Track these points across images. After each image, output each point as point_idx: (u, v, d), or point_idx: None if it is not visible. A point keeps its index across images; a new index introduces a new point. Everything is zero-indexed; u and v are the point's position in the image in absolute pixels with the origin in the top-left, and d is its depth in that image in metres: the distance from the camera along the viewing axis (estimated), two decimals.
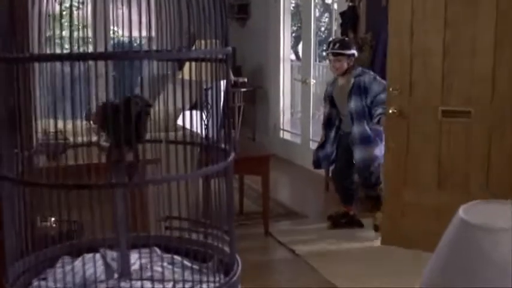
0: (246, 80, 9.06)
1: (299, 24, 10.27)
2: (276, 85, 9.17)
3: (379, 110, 5.39)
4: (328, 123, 5.88)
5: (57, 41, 1.76)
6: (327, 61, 5.94)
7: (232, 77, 6.77)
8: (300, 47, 10.07)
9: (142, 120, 1.60)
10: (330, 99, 5.81)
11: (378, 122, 5.43)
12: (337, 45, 5.64)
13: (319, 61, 9.90)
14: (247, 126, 9.39)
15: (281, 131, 9.18)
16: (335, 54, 5.61)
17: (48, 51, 1.83)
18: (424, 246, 3.83)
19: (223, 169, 1.63)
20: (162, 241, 2.02)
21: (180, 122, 4.12)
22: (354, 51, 5.68)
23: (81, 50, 1.88)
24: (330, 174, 6.22)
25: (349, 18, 6.89)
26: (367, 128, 5.53)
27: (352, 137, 5.58)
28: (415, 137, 5.11)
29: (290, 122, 9.47)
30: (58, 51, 1.71)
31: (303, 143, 8.45)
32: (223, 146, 1.82)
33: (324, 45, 11.78)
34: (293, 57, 10.04)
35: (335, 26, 8.05)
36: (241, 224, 5.73)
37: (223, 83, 1.82)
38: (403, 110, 5.10)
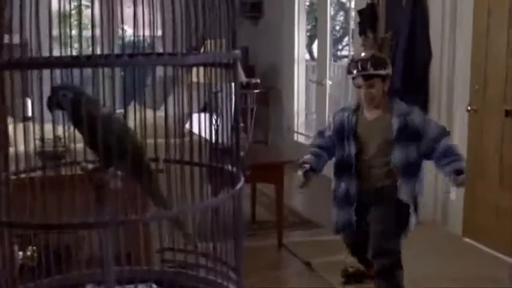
0: (258, 80, 8.72)
1: (313, 23, 9.97)
2: (290, 86, 8.87)
3: (457, 165, 3.82)
4: (341, 170, 4.13)
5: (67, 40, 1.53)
6: (350, 81, 4.28)
7: (244, 78, 6.45)
8: (314, 47, 9.78)
9: (93, 122, 1.26)
10: (353, 135, 4.04)
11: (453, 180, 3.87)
12: (369, 64, 3.90)
13: (335, 61, 9.58)
14: (260, 128, 9.09)
15: (295, 134, 8.88)
16: (367, 77, 3.91)
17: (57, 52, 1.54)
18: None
19: (230, 199, 1.32)
20: (160, 276, 1.71)
21: (188, 127, 3.84)
22: (389, 70, 4.03)
23: (89, 50, 1.63)
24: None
25: (367, 17, 6.56)
26: (416, 187, 4.01)
27: (400, 195, 3.98)
28: (484, 135, 5.27)
29: (304, 124, 9.15)
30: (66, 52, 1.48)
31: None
32: (230, 168, 1.51)
33: (340, 45, 11.48)
34: (307, 56, 9.73)
35: (352, 25, 7.73)
36: (253, 234, 5.43)
37: (234, 86, 1.54)
38: (479, 107, 5.27)
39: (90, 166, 1.56)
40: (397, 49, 5.97)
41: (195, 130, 1.66)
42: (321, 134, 4.27)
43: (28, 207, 1.55)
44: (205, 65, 1.40)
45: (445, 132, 3.99)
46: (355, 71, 3.93)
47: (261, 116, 9.04)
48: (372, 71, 3.89)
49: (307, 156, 4.10)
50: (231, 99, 1.52)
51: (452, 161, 3.81)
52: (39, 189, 1.59)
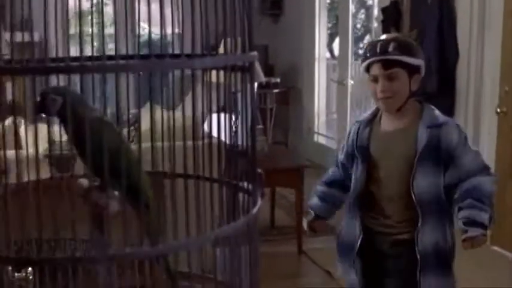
0: (278, 80, 8.56)
1: (334, 21, 9.76)
2: (310, 85, 8.65)
3: (477, 214, 2.64)
4: (350, 204, 2.91)
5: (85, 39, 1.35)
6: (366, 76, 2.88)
7: (263, 78, 6.26)
8: (334, 45, 9.58)
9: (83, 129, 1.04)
10: (362, 153, 2.84)
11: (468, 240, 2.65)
12: (392, 46, 2.70)
13: (355, 60, 9.38)
14: (280, 129, 8.90)
15: (315, 135, 8.66)
16: (388, 64, 2.71)
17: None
18: None
19: (243, 228, 1.13)
20: None
21: (205, 128, 3.66)
22: (421, 62, 2.79)
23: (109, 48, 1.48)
24: None
25: (391, 15, 6.34)
26: (448, 235, 2.75)
27: (419, 251, 2.70)
28: None
29: (325, 125, 8.93)
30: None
31: (338, 148, 7.90)
32: (245, 185, 1.31)
33: (360, 43, 11.25)
34: (328, 55, 9.51)
35: (375, 23, 7.51)
36: (272, 240, 5.24)
37: (256, 85, 1.35)
38: (508, 110, 5.01)
39: (86, 183, 1.37)
40: (422, 49, 5.74)
41: (213, 132, 1.47)
42: (335, 161, 3.06)
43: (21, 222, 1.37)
44: (219, 69, 1.21)
45: (485, 170, 2.76)
46: (370, 54, 2.72)
47: (281, 116, 8.85)
48: (395, 56, 2.67)
49: (313, 201, 3.03)
50: (248, 101, 1.33)
51: (474, 207, 2.62)
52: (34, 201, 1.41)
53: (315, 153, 8.15)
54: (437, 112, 2.80)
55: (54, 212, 1.39)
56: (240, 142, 1.32)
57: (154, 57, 1.34)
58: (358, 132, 2.87)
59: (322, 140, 8.61)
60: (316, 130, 8.69)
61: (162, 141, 1.38)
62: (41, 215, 1.27)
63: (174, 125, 1.36)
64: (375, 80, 2.75)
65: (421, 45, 5.76)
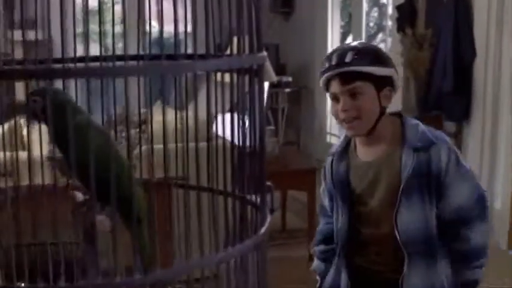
0: (290, 79, 8.42)
1: (347, 19, 9.61)
2: None
3: (466, 274, 2.33)
4: (335, 250, 2.44)
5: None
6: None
7: (275, 77, 6.13)
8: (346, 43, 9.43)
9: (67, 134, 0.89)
10: (341, 191, 2.38)
11: None
12: (350, 55, 2.21)
13: None
14: (291, 129, 8.77)
15: (328, 135, 8.53)
16: (346, 78, 2.22)
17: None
18: None
19: (253, 247, 1.00)
20: None
21: (214, 129, 3.54)
22: (391, 71, 2.28)
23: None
24: None
25: (406, 13, 6.20)
26: (442, 281, 2.28)
27: None
28: None
29: (337, 125, 8.77)
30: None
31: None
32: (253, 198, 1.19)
33: (373, 42, 11.11)
34: None
35: (389, 21, 7.35)
36: (283, 244, 5.11)
37: (266, 85, 1.22)
38: None
39: (80, 196, 1.25)
40: (438, 48, 5.59)
41: (222, 132, 1.35)
42: (322, 208, 2.58)
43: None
44: (226, 71, 1.09)
45: (478, 205, 2.28)
46: (325, 68, 2.24)
47: (293, 115, 8.72)
48: (353, 67, 2.18)
49: (316, 265, 2.60)
50: (256, 107, 1.20)
51: (463, 272, 2.30)
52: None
53: (327, 153, 8.00)
54: (422, 127, 2.27)
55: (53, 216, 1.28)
56: (248, 150, 1.19)
57: (166, 57, 1.22)
58: (332, 168, 2.40)
59: (334, 140, 8.46)
60: (328, 130, 8.55)
61: (165, 144, 1.26)
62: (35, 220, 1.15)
63: (187, 127, 1.23)
64: (335, 98, 2.26)
65: (436, 44, 5.64)
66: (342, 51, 2.24)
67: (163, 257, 0.96)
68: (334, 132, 8.52)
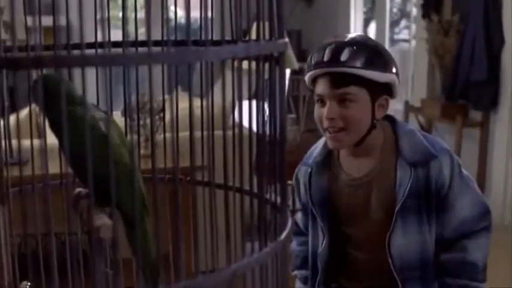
0: None
1: (369, 5, 9.44)
2: None
3: None
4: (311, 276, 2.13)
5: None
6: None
7: (296, 64, 6.00)
8: (369, 30, 9.27)
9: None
10: (321, 209, 2.02)
11: None
12: (346, 52, 1.81)
13: (391, 45, 9.04)
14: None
15: None
16: (338, 80, 1.83)
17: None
18: None
19: (269, 258, 0.90)
20: None
21: (232, 118, 3.43)
22: (391, 77, 1.88)
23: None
24: None
25: None
26: None
27: None
28: None
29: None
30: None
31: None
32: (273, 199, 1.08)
33: (397, 28, 10.92)
34: None
35: (414, 7, 7.18)
36: None
37: (287, 72, 1.11)
38: None
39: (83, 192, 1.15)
40: (465, 34, 5.43)
41: (243, 121, 1.25)
42: (296, 227, 2.20)
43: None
44: (246, 59, 0.98)
45: (481, 220, 1.99)
46: (314, 63, 1.87)
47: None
48: (349, 68, 1.81)
49: (298, 287, 2.24)
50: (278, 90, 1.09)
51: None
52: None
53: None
54: (418, 136, 1.93)
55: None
56: (270, 132, 1.08)
57: (192, 43, 1.12)
58: (310, 180, 2.03)
59: None
60: None
61: (172, 135, 1.16)
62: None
63: (212, 115, 1.13)
64: (321, 101, 1.89)
65: (463, 31, 5.48)
66: (337, 46, 1.83)
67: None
68: None
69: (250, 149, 1.08)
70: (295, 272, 2.22)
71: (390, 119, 1.99)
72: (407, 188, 1.87)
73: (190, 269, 0.98)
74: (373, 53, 1.85)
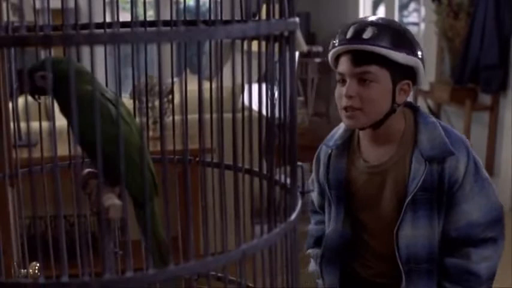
0: (320, 49, 8.25)
1: None
2: None
3: None
4: (324, 257, 2.11)
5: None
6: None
7: (305, 47, 5.98)
8: (378, 12, 9.22)
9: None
10: (337, 192, 2.02)
11: None
12: (369, 31, 1.81)
13: None
14: (321, 100, 8.62)
15: None
16: (359, 59, 1.83)
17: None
18: None
19: (279, 239, 0.89)
20: None
21: (242, 100, 3.43)
22: (415, 60, 1.85)
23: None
24: None
25: None
26: None
27: None
28: None
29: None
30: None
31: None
32: (283, 181, 1.08)
33: (406, 11, 10.85)
34: None
35: None
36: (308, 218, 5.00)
37: (296, 55, 1.10)
38: None
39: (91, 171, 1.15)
40: (475, 17, 5.38)
41: (252, 104, 1.24)
42: (312, 206, 2.27)
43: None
44: (254, 38, 0.97)
45: (491, 227, 1.92)
46: (337, 41, 1.87)
47: (322, 86, 8.57)
48: (370, 46, 1.80)
49: (313, 267, 2.20)
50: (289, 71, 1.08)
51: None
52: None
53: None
54: (439, 130, 1.89)
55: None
56: (279, 115, 1.07)
57: (202, 23, 1.11)
58: (329, 162, 2.02)
59: None
60: None
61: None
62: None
63: (221, 96, 1.12)
64: (342, 80, 1.88)
65: (473, 13, 5.43)
66: (361, 25, 1.83)
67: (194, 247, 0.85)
68: None
69: (260, 131, 1.08)
70: (309, 251, 2.23)
71: (413, 108, 1.97)
72: (420, 181, 1.85)
73: (199, 251, 0.98)
74: (397, 34, 1.83)
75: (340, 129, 2.04)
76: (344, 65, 1.85)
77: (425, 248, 1.90)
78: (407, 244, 1.91)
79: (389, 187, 1.93)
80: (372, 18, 1.88)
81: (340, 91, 1.88)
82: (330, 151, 2.03)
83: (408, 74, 1.86)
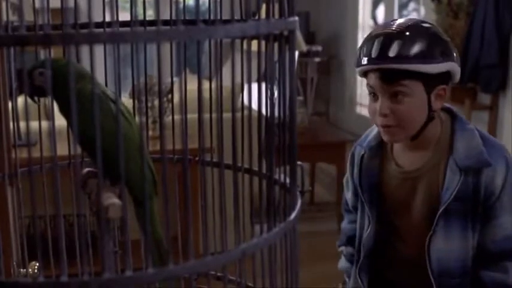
0: (320, 48, 8.26)
1: None
2: (353, 54, 8.33)
3: None
4: (358, 261, 2.05)
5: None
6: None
7: (304, 46, 5.98)
8: (378, 12, 9.22)
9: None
10: (370, 195, 1.95)
11: None
12: (394, 47, 1.70)
13: None
14: (321, 99, 8.64)
15: (357, 106, 8.38)
16: (389, 77, 1.73)
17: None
18: None
19: (278, 238, 0.89)
20: None
21: (241, 100, 3.43)
22: (448, 65, 1.74)
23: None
24: None
25: None
26: None
27: None
28: None
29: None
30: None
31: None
32: (282, 181, 1.08)
33: (405, 10, 10.85)
34: (371, 23, 9.15)
35: None
36: (311, 218, 5.01)
37: (296, 54, 1.10)
38: None
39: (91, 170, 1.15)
40: (475, 17, 5.38)
41: (251, 103, 1.23)
42: (345, 205, 2.21)
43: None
44: (254, 38, 0.97)
45: None
46: (363, 58, 1.76)
47: (322, 86, 8.58)
48: (398, 64, 1.71)
49: (343, 265, 2.19)
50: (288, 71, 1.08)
51: None
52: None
53: (357, 124, 7.88)
54: (476, 138, 1.80)
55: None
56: (278, 114, 1.07)
57: (202, 22, 1.11)
58: (362, 163, 1.97)
59: (364, 111, 8.33)
60: (358, 101, 8.40)
61: (200, 115, 1.15)
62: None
63: (221, 95, 1.12)
64: (374, 94, 1.79)
65: (473, 13, 5.43)
66: (385, 39, 1.72)
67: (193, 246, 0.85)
68: (364, 103, 8.37)
69: (259, 130, 1.08)
70: (341, 248, 2.21)
71: (451, 113, 1.88)
72: (454, 192, 1.77)
73: (198, 251, 0.98)
74: (426, 43, 1.71)
75: (374, 130, 1.96)
76: (373, 81, 1.76)
77: (458, 261, 1.83)
78: (439, 257, 1.83)
79: (421, 194, 1.86)
80: (398, 25, 1.75)
81: (373, 107, 1.80)
82: (363, 152, 1.97)
83: (443, 78, 1.77)
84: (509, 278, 1.82)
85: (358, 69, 1.81)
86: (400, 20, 1.78)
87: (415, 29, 1.74)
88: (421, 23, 1.78)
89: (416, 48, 1.70)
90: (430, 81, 1.74)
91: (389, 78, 1.73)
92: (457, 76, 1.81)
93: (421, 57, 1.70)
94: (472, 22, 5.42)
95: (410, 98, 1.74)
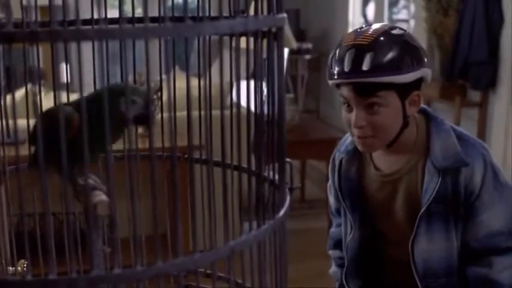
0: (310, 46, 8.26)
1: None
2: None
3: None
4: (348, 268, 2.05)
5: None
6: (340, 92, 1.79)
7: (294, 43, 5.97)
8: (368, 10, 9.23)
9: None
10: (351, 200, 1.95)
11: None
12: (367, 61, 1.66)
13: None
14: (311, 97, 8.64)
15: None
16: (363, 90, 1.70)
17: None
18: None
19: (267, 236, 0.89)
20: None
21: (230, 97, 3.42)
22: (421, 71, 1.74)
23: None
24: None
25: None
26: None
27: None
28: None
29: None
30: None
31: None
32: (271, 178, 1.08)
33: (395, 8, 10.85)
34: (362, 20, 9.16)
35: None
36: (302, 215, 5.01)
37: (286, 52, 1.09)
38: None
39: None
40: (464, 14, 5.40)
41: (240, 101, 1.23)
42: (331, 211, 2.18)
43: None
44: (243, 34, 0.97)
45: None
46: (335, 71, 1.73)
47: (312, 83, 8.58)
48: (372, 78, 1.68)
49: (333, 270, 2.17)
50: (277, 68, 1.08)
51: None
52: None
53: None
54: (452, 138, 1.81)
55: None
56: (268, 111, 1.07)
57: (190, 19, 1.11)
58: (341, 170, 1.95)
59: None
60: None
61: (189, 113, 1.14)
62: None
63: (210, 94, 1.12)
64: (347, 104, 1.76)
65: (463, 10, 5.45)
66: (357, 52, 1.68)
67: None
68: None
69: (248, 128, 1.07)
70: (330, 252, 2.20)
71: (426, 114, 1.88)
72: (433, 193, 1.77)
73: (188, 248, 0.98)
74: (398, 53, 1.69)
75: (348, 140, 1.95)
76: (347, 93, 1.74)
77: (443, 262, 1.83)
78: (424, 258, 1.83)
79: (402, 197, 1.86)
80: (369, 34, 1.72)
81: (347, 117, 1.77)
82: (340, 156, 1.96)
83: (416, 85, 1.76)
84: (494, 272, 1.83)
85: (330, 82, 1.78)
86: (371, 28, 1.75)
87: (387, 38, 1.72)
88: (391, 30, 1.75)
89: (388, 59, 1.68)
90: (404, 90, 1.73)
91: (363, 91, 1.70)
92: (429, 78, 1.80)
93: (395, 68, 1.68)
94: (462, 19, 5.44)
95: (385, 108, 1.72)
